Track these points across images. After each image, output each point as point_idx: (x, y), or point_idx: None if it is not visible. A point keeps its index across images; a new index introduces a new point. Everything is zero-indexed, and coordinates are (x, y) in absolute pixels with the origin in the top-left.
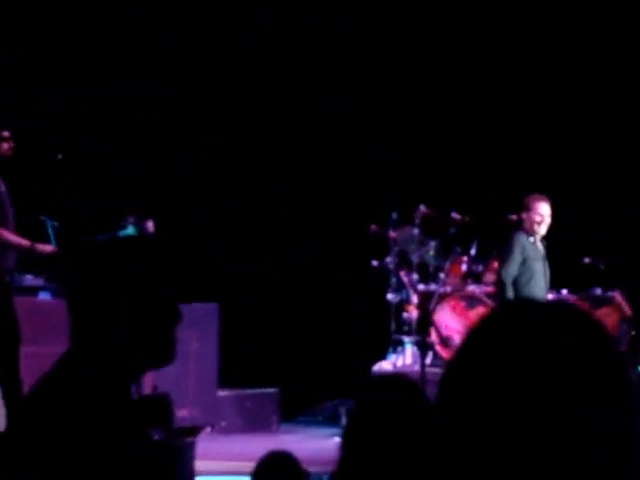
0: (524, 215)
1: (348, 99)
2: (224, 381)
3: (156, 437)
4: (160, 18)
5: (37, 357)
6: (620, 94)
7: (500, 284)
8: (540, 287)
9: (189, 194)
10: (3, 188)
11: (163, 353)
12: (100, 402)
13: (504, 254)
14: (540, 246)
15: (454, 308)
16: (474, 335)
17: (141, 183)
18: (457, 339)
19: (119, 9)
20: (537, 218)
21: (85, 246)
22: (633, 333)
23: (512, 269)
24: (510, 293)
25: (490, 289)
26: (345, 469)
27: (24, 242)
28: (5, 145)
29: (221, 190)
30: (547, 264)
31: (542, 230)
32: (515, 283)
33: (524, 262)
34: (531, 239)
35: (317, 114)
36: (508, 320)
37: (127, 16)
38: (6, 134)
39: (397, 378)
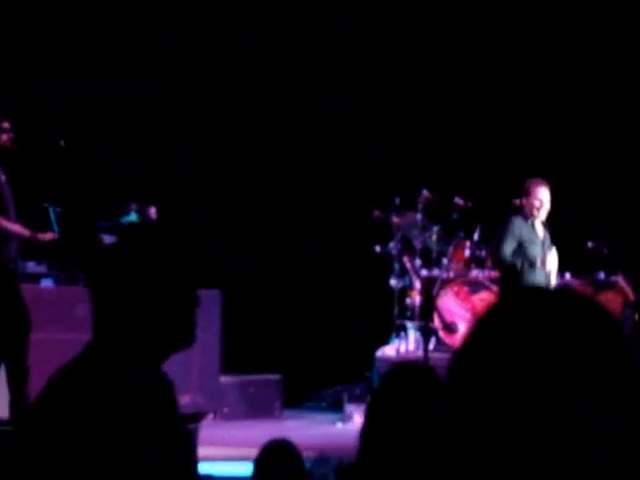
0: (524, 200)
1: (348, 99)
2: (227, 367)
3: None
4: (160, 18)
5: (40, 344)
6: (621, 78)
7: (500, 263)
8: (540, 273)
9: (189, 194)
10: (3, 179)
11: (185, 336)
12: (127, 388)
13: (499, 236)
14: (540, 231)
15: (457, 293)
16: (479, 325)
17: (141, 183)
18: (460, 324)
19: (119, 9)
20: (536, 203)
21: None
22: (637, 317)
23: (507, 249)
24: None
25: (494, 274)
26: (365, 457)
27: (25, 231)
28: (4, 136)
29: (221, 190)
30: (551, 248)
31: (542, 215)
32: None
33: (521, 246)
34: (529, 223)
35: (317, 114)
36: (513, 310)
37: (127, 16)
38: (6, 125)
39: (413, 366)
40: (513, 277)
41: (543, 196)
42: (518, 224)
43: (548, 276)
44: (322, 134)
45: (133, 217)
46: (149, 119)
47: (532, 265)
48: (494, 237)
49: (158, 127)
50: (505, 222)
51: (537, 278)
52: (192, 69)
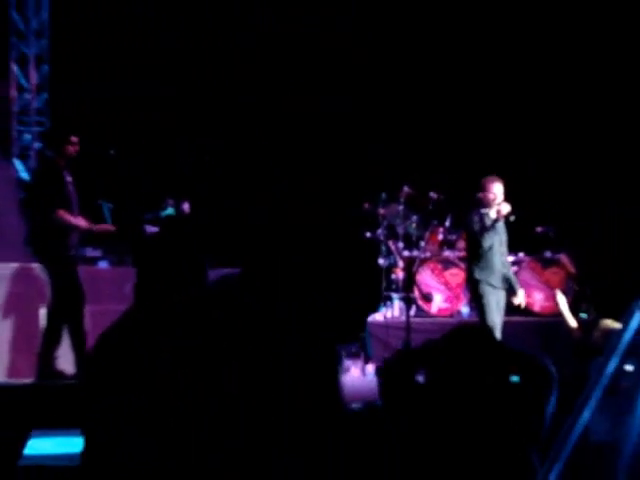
0: (481, 194)
1: (348, 99)
2: None
3: None
4: (160, 18)
5: (97, 314)
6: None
7: (472, 231)
8: (497, 255)
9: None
10: (69, 180)
11: None
12: (151, 353)
13: (471, 228)
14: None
15: (433, 270)
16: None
17: (176, 183)
18: (435, 295)
19: (119, 9)
20: (491, 196)
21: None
22: (577, 288)
23: (476, 226)
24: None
25: (462, 254)
26: None
27: (85, 223)
28: (72, 149)
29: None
30: (504, 232)
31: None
32: (480, 252)
33: (483, 232)
34: (486, 214)
35: (317, 114)
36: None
37: (127, 16)
38: (74, 139)
39: None
40: (478, 245)
41: (497, 190)
42: (480, 215)
43: (504, 255)
44: (321, 135)
45: (170, 211)
46: (151, 119)
47: (491, 249)
48: (467, 230)
49: (160, 128)
50: (470, 216)
51: (495, 260)
52: (192, 69)
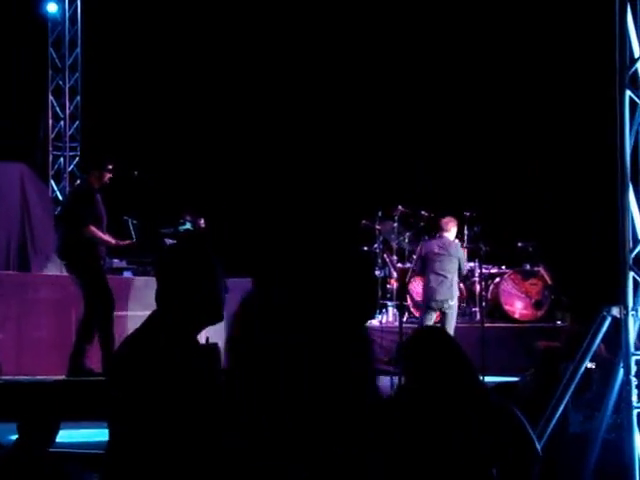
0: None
1: (347, 99)
2: None
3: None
4: (179, 54)
5: (123, 318)
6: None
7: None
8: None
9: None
10: (99, 199)
11: (217, 314)
12: (174, 347)
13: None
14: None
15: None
16: None
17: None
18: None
19: (143, 51)
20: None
21: (162, 239)
22: (552, 297)
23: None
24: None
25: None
26: None
27: (111, 240)
28: (107, 175)
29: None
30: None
31: (452, 236)
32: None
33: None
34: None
35: (317, 114)
36: None
37: (150, 54)
38: (110, 167)
39: None
40: None
41: (453, 227)
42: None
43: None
44: (322, 136)
45: (187, 225)
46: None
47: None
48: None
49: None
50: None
51: (432, 277)
52: (192, 69)
